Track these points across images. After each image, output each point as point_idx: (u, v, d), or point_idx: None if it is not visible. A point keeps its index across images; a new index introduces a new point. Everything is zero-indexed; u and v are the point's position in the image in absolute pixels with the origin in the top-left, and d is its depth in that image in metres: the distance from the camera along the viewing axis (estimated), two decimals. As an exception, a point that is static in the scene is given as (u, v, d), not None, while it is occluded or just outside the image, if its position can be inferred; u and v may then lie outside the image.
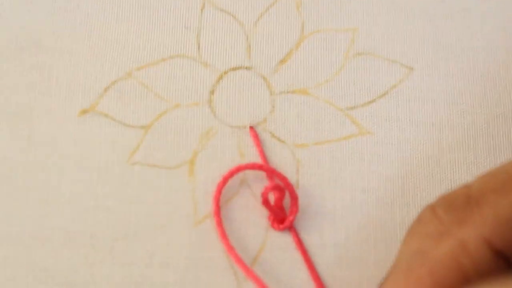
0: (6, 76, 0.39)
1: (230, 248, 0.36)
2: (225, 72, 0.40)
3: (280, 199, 0.37)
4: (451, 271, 0.30)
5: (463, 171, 0.39)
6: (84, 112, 0.39)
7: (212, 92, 0.40)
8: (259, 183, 0.38)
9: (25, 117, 0.38)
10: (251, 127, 0.39)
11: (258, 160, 0.39)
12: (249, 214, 0.38)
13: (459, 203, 0.32)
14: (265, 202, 0.37)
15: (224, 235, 0.36)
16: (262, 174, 0.38)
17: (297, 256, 0.37)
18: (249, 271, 0.35)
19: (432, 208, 0.32)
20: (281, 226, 0.37)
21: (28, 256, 0.36)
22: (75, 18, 0.41)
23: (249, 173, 0.38)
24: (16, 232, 0.36)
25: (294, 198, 0.37)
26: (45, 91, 0.39)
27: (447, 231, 0.31)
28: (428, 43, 0.42)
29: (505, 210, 0.30)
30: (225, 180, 0.37)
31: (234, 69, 0.41)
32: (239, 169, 0.37)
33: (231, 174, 0.37)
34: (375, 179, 0.39)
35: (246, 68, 0.41)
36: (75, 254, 0.36)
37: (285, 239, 0.37)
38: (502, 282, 0.28)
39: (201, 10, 0.42)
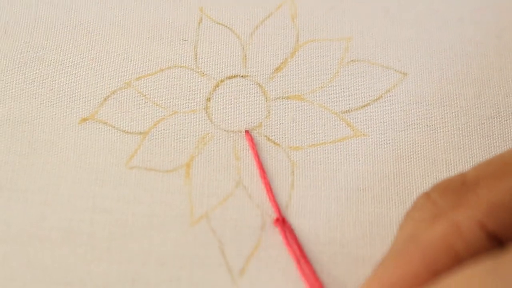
0: (10, 87, 0.41)
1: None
2: (222, 81, 0.41)
3: None
4: (443, 253, 0.30)
5: (460, 170, 0.39)
6: (84, 120, 0.40)
7: (208, 99, 0.41)
8: (254, 184, 0.39)
9: (26, 124, 0.40)
10: (247, 131, 0.40)
11: (253, 162, 0.39)
12: (244, 214, 0.38)
13: (454, 188, 0.32)
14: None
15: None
16: (257, 176, 0.39)
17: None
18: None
19: (427, 194, 0.32)
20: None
21: (27, 256, 0.36)
22: (77, 34, 0.43)
23: (245, 174, 0.39)
24: (16, 232, 0.37)
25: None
26: (47, 101, 0.40)
27: (441, 214, 0.31)
28: (422, 49, 0.43)
29: (500, 193, 0.30)
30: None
31: (230, 77, 0.42)
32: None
33: None
34: (371, 178, 0.39)
35: (242, 76, 0.42)
36: (72, 253, 0.37)
37: (280, 238, 0.37)
38: (493, 259, 0.28)
39: (199, 23, 0.43)
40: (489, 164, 0.32)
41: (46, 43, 0.42)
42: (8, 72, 0.41)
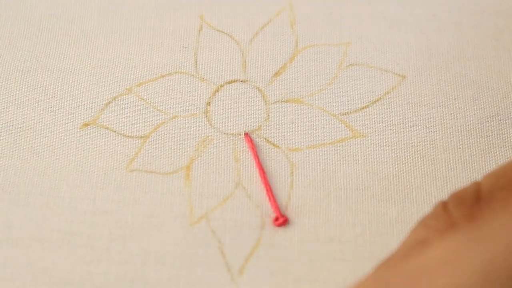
0: (13, 94, 0.41)
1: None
2: (221, 85, 0.42)
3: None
4: None
5: (459, 169, 0.39)
6: (86, 125, 0.41)
7: (208, 104, 0.41)
8: (253, 185, 0.39)
9: (29, 130, 0.40)
10: (246, 133, 0.40)
11: (252, 164, 0.39)
12: (244, 214, 0.38)
13: (469, 200, 0.32)
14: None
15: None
16: (256, 177, 0.39)
17: (291, 253, 0.37)
18: None
19: (443, 204, 0.33)
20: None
21: (28, 257, 0.37)
22: (79, 42, 0.43)
23: (244, 176, 0.39)
24: (17, 234, 0.37)
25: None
26: (49, 107, 0.41)
27: (454, 226, 0.31)
28: (420, 53, 0.43)
29: None
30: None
31: (230, 82, 0.42)
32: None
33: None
34: (370, 178, 0.39)
35: (241, 81, 0.42)
36: (72, 254, 0.37)
37: (279, 238, 0.37)
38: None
39: (199, 31, 0.44)
40: (502, 175, 0.32)
41: (49, 52, 0.43)
42: (12, 79, 0.42)
